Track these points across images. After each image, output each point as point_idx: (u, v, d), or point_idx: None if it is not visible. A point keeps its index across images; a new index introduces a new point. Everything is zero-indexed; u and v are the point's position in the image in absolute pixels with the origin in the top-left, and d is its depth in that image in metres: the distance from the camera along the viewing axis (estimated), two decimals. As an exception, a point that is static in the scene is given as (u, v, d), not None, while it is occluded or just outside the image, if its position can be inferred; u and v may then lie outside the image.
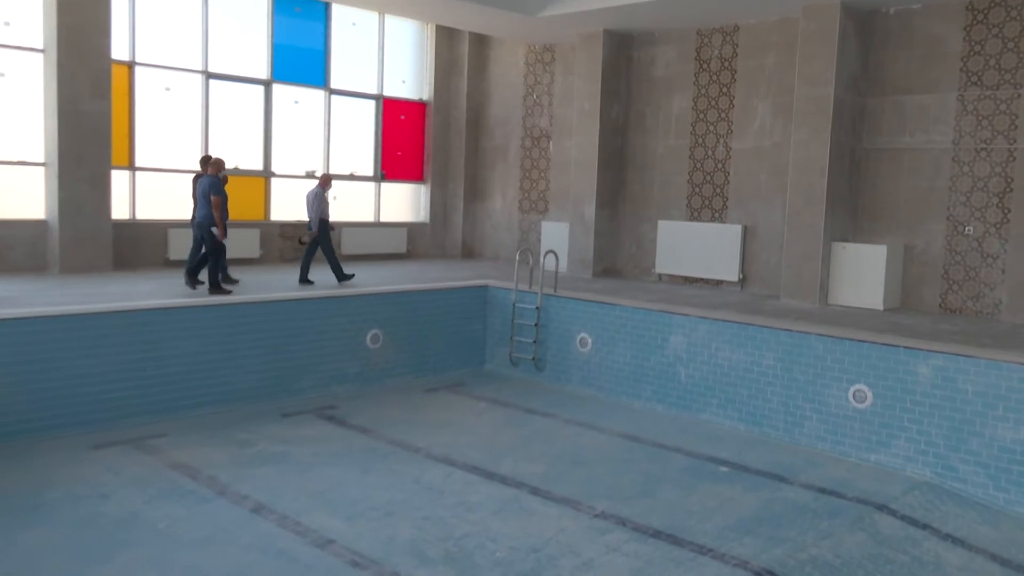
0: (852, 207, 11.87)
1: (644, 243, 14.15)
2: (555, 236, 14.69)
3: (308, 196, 11.63)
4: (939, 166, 11.14)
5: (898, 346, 8.60)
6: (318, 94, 14.89)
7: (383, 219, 16.04)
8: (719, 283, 13.17)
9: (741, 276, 12.88)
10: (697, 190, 13.51)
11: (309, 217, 11.60)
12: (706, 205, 13.43)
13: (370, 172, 15.92)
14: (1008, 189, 10.57)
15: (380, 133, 15.90)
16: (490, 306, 12.27)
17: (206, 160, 10.81)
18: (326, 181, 11.72)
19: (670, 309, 10.60)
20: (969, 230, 10.89)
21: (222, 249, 10.30)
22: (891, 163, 11.54)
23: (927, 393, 8.35)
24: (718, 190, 13.26)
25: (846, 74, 11.35)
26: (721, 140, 13.19)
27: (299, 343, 10.13)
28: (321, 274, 12.16)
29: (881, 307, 11.14)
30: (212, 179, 10.15)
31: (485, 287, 12.31)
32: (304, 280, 11.31)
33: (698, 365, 10.14)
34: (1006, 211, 10.59)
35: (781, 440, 9.35)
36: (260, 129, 14.19)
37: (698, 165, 13.50)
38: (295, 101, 14.56)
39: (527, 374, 11.81)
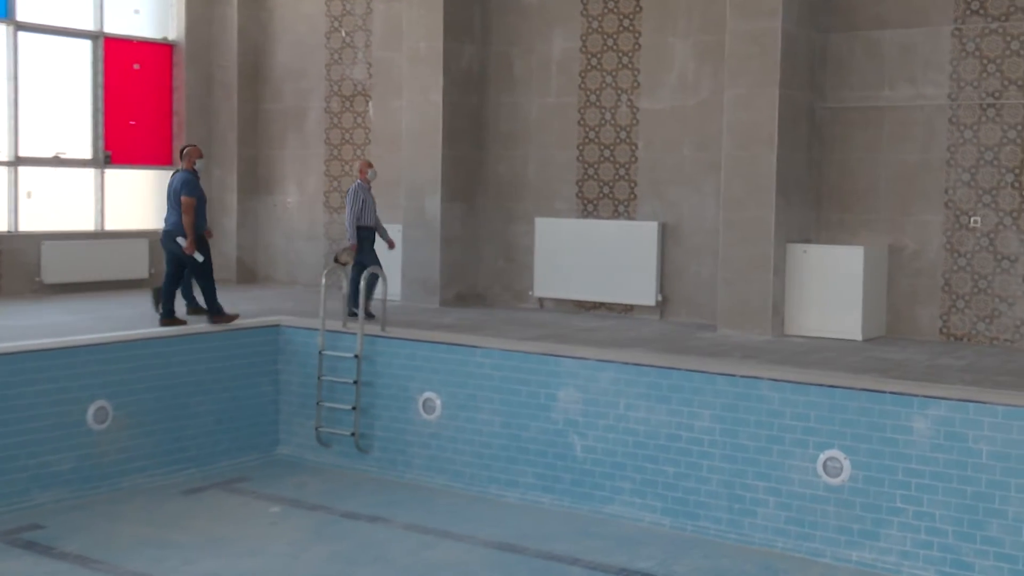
0: (814, 192, 12.37)
1: (516, 253, 14.27)
2: (381, 246, 14.55)
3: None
4: (932, 131, 11.76)
5: (884, 392, 8.94)
6: (-1, 31, 14.46)
7: (109, 227, 15.71)
8: (628, 309, 13.41)
9: (660, 298, 13.17)
10: (591, 172, 13.76)
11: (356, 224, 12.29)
12: (605, 194, 13.70)
13: (86, 153, 15.53)
14: (1026, 162, 11.30)
15: (101, 92, 15.58)
16: (285, 357, 12.13)
17: (182, 151, 11.96)
18: (366, 168, 12.55)
19: (557, 351, 10.65)
20: (976, 222, 11.54)
21: (206, 267, 11.56)
22: (866, 128, 12.10)
23: (926, 458, 8.70)
24: (622, 171, 13.55)
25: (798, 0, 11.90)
26: (624, 97, 13.50)
27: (-26, 427, 9.76)
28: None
29: (859, 336, 11.62)
30: (185, 175, 11.54)
31: (276, 327, 12.17)
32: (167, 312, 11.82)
33: (601, 433, 10.22)
34: (1024, 193, 11.33)
35: (724, 538, 9.51)
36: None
37: (591, 135, 13.75)
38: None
39: (344, 458, 11.71)
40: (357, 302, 11.73)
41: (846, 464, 9.02)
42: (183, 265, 11.74)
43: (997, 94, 11.36)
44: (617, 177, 13.58)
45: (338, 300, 12.35)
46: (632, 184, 13.48)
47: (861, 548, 8.95)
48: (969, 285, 11.55)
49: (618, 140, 13.56)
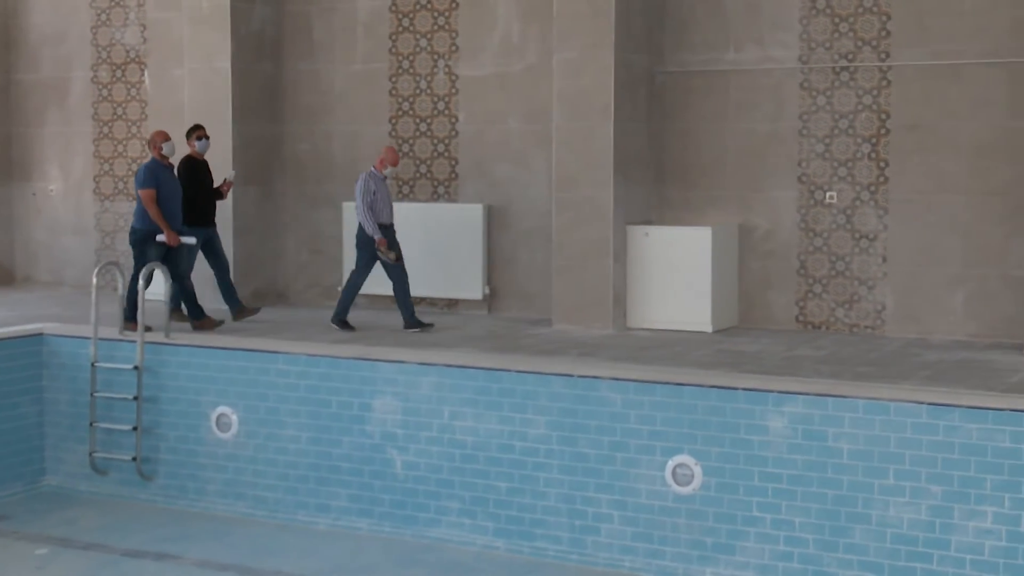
0: (655, 168, 12.64)
1: (323, 243, 14.21)
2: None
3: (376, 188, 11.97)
4: (782, 98, 12.14)
5: (737, 388, 9.19)
6: None
7: None
8: (453, 304, 13.48)
9: (488, 291, 13.29)
10: (407, 148, 13.78)
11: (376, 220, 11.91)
12: (423, 174, 13.74)
13: None
14: (883, 130, 11.74)
15: None
16: (50, 371, 11.91)
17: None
18: (394, 158, 12.23)
19: (372, 355, 10.65)
20: (832, 197, 11.97)
21: (172, 273, 11.64)
22: (710, 94, 12.42)
23: (784, 460, 8.98)
24: (441, 148, 13.60)
25: (632, -49, 12.15)
26: (441, 63, 13.55)
27: None
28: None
29: (710, 328, 11.92)
30: (144, 166, 11.82)
31: (39, 337, 11.96)
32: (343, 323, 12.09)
33: (423, 446, 10.26)
34: (882, 165, 11.76)
35: (565, 560, 9.66)
36: None
37: (405, 106, 13.76)
38: None
39: (125, 487, 11.54)
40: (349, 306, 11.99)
41: (697, 470, 9.24)
42: (175, 263, 11.90)
43: (851, 56, 11.79)
44: (436, 154, 13.62)
45: (113, 303, 12.09)
46: (453, 162, 13.54)
47: (716, 563, 9.18)
48: (826, 267, 11.98)
49: (436, 112, 13.60)
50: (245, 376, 11.05)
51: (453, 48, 13.46)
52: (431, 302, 13.56)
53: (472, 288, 13.28)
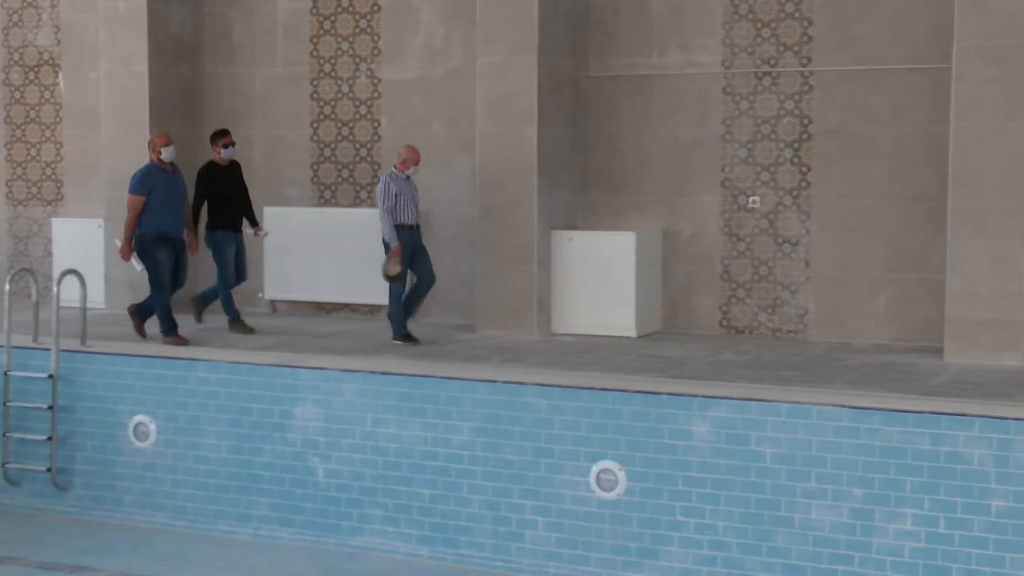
0: (580, 173, 12.74)
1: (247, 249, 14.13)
2: (80, 245, 14.23)
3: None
4: (706, 103, 12.28)
5: (661, 393, 9.30)
6: None
7: None
8: (375, 310, 13.46)
9: (411, 296, 13.32)
10: (328, 153, 13.79)
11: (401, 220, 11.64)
12: (344, 179, 13.74)
13: None
14: (805, 135, 11.91)
15: None
16: (-40, 380, 11.74)
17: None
18: (415, 157, 11.87)
19: (293, 361, 10.66)
20: (755, 201, 12.13)
21: (153, 281, 11.54)
22: (634, 99, 12.53)
23: (708, 465, 9.10)
24: (363, 152, 13.62)
25: (554, -47, 12.23)
26: (363, 66, 13.56)
27: None
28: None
29: (634, 333, 12.04)
30: (139, 170, 11.80)
31: (-52, 345, 11.77)
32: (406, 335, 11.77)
33: (346, 454, 10.29)
34: (804, 170, 11.93)
35: (490, 567, 9.73)
36: None
37: (327, 110, 13.76)
38: None
39: (39, 499, 11.44)
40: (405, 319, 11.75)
41: (621, 476, 9.34)
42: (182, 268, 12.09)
43: (773, 61, 11.96)
44: (358, 159, 13.63)
45: (27, 310, 11.97)
46: (375, 167, 13.54)
47: (640, 568, 9.29)
48: (749, 272, 12.13)
49: (358, 116, 13.61)
50: (163, 384, 10.99)
51: (375, 51, 13.47)
52: (353, 308, 13.56)
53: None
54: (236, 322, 12.26)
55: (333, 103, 13.67)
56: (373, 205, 13.37)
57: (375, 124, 13.52)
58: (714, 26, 12.13)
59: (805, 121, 11.84)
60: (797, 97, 11.86)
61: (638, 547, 9.29)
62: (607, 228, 12.53)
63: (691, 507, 9.14)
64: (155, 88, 13.82)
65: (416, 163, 11.81)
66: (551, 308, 12.29)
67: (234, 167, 12.55)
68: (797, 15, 11.80)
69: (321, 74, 13.75)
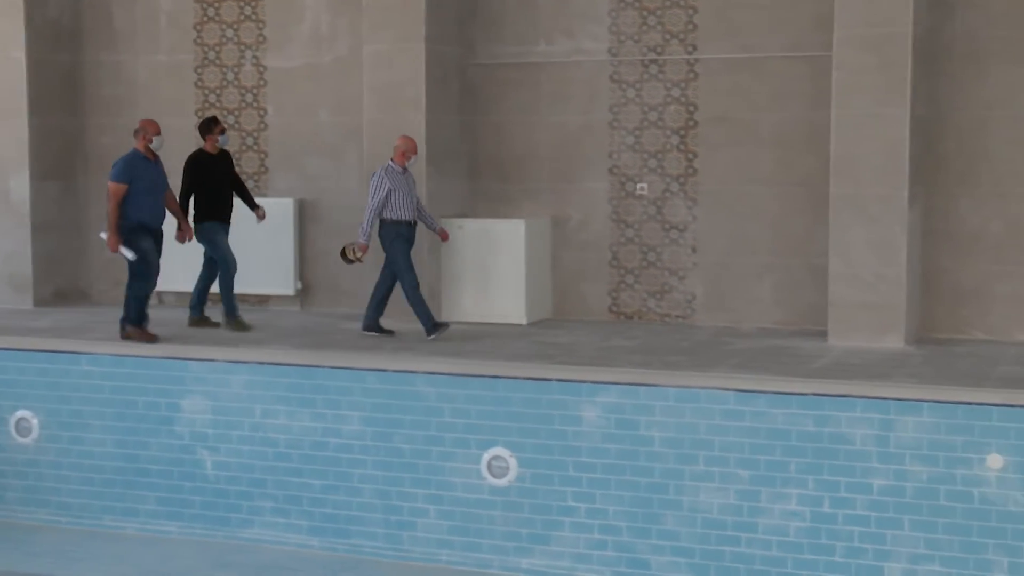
0: (468, 160, 12.85)
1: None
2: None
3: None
4: (594, 90, 12.45)
5: (551, 380, 9.44)
6: None
7: None
8: (264, 300, 13.43)
9: (300, 286, 13.34)
10: (214, 142, 13.71)
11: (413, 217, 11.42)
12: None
13: None
14: (691, 123, 12.13)
15: None
16: None
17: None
18: (409, 151, 11.52)
19: (180, 353, 10.63)
20: (643, 188, 12.31)
21: (138, 269, 11.06)
22: (522, 87, 12.66)
23: (598, 450, 9.26)
24: (250, 141, 13.58)
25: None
26: (249, 54, 13.51)
27: None
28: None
29: (524, 320, 12.20)
30: (122, 158, 11.20)
31: None
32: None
33: (235, 446, 10.28)
34: (691, 156, 12.15)
35: (383, 556, 9.80)
36: None
37: (212, 99, 13.69)
38: None
39: (-80, 498, 11.25)
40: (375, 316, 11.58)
41: (512, 462, 9.46)
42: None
43: (659, 49, 12.15)
44: (244, 147, 13.58)
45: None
46: (262, 155, 13.53)
47: (531, 554, 9.43)
48: (638, 258, 12.33)
49: (244, 104, 13.57)
50: (46, 378, 10.87)
51: (261, 39, 13.43)
52: (242, 298, 13.46)
53: (284, 283, 13.30)
54: (235, 317, 11.94)
55: (218, 91, 13.61)
56: (261, 194, 13.37)
57: (261, 112, 13.48)
58: (600, 14, 12.29)
59: (691, 108, 12.06)
60: (683, 84, 12.07)
61: (530, 533, 9.43)
62: (496, 216, 12.65)
63: (582, 492, 9.29)
64: (33, 75, 13.61)
65: (415, 152, 11.56)
66: (441, 296, 12.39)
67: (224, 156, 12.19)
68: (682, 3, 12.00)
69: (206, 62, 13.67)
